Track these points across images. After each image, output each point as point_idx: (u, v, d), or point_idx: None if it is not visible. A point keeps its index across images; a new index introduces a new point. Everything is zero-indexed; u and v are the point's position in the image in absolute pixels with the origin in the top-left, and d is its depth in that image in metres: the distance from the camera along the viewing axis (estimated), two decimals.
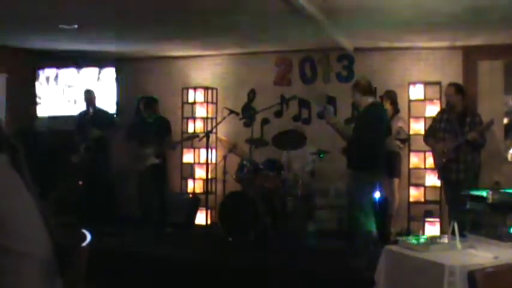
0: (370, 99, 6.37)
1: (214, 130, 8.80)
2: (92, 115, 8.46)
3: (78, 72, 9.57)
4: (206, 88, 9.50)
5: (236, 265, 6.45)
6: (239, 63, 9.56)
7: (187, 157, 9.52)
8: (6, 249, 1.80)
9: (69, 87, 9.48)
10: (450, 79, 7.65)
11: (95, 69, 9.59)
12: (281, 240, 7.34)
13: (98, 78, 9.45)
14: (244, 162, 7.90)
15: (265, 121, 9.25)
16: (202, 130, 9.24)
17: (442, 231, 7.33)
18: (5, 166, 1.94)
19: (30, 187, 1.99)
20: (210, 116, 9.50)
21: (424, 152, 7.93)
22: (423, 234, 7.48)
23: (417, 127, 8.20)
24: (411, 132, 8.13)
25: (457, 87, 6.94)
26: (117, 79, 9.40)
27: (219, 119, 8.99)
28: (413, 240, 4.20)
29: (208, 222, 8.62)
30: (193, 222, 8.82)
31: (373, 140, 6.16)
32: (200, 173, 9.35)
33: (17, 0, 6.02)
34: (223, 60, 9.63)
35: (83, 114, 8.66)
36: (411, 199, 8.23)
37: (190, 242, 7.82)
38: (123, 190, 9.32)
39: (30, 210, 1.95)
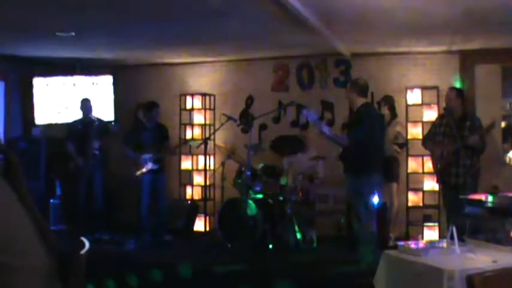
0: (363, 101, 6.40)
1: (212, 137, 8.80)
2: (91, 125, 8.43)
3: (75, 79, 9.56)
4: (204, 94, 9.50)
5: (235, 271, 6.44)
6: (237, 70, 9.57)
7: (186, 164, 9.51)
8: (2, 265, 1.79)
9: (66, 94, 9.46)
10: (447, 84, 7.68)
11: (92, 77, 9.58)
12: (280, 246, 7.33)
13: (95, 85, 9.44)
14: (243, 168, 7.89)
15: (263, 127, 9.26)
16: (200, 137, 9.23)
17: (441, 236, 7.33)
18: None
19: (25, 198, 1.98)
20: (207, 122, 9.51)
21: (422, 156, 7.93)
22: (422, 238, 7.51)
23: (415, 132, 8.21)
24: (409, 137, 8.14)
25: (457, 92, 6.96)
26: (114, 86, 9.39)
27: (216, 126, 9.01)
28: (412, 245, 4.19)
29: (207, 228, 8.62)
30: (192, 229, 8.81)
31: (369, 141, 6.17)
32: (198, 179, 9.34)
33: (14, 8, 6.03)
34: (220, 66, 9.64)
35: (77, 123, 8.63)
36: (410, 204, 8.23)
37: (189, 248, 7.79)
38: (121, 197, 9.31)
39: (22, 223, 1.93)
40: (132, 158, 8.21)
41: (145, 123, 8.41)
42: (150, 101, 8.65)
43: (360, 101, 6.36)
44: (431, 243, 4.33)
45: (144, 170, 8.11)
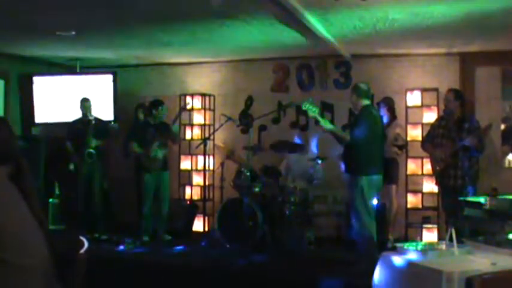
0: (365, 102, 6.41)
1: (211, 137, 8.79)
2: (89, 124, 8.42)
3: (75, 79, 9.56)
4: (203, 95, 9.50)
5: (234, 272, 6.44)
6: (237, 70, 9.56)
7: (185, 164, 9.50)
8: (3, 261, 1.80)
9: (66, 94, 9.45)
10: (447, 85, 7.68)
11: (93, 76, 9.58)
12: (279, 247, 7.33)
13: (95, 85, 9.43)
14: (242, 169, 7.89)
15: (262, 128, 9.25)
16: (199, 137, 9.23)
17: (440, 238, 7.33)
18: (4, 178, 1.96)
19: (32, 199, 2.00)
20: (207, 122, 9.50)
21: (422, 158, 7.94)
22: (421, 240, 7.52)
23: (414, 133, 8.22)
24: (408, 139, 8.14)
25: (456, 93, 6.97)
26: (114, 86, 9.39)
27: (216, 126, 9.01)
28: (410, 247, 4.19)
29: (206, 229, 8.61)
30: (191, 229, 8.80)
31: (370, 142, 6.18)
32: (198, 179, 9.33)
33: (14, 7, 6.03)
34: (220, 67, 9.63)
35: (76, 122, 8.62)
36: (409, 205, 8.24)
37: (188, 249, 7.78)
38: (120, 197, 9.30)
39: (27, 222, 1.95)
40: (144, 152, 8.13)
41: (149, 120, 8.35)
42: (156, 99, 8.59)
43: (362, 102, 6.38)
44: (430, 245, 4.34)
45: (158, 158, 8.08)
